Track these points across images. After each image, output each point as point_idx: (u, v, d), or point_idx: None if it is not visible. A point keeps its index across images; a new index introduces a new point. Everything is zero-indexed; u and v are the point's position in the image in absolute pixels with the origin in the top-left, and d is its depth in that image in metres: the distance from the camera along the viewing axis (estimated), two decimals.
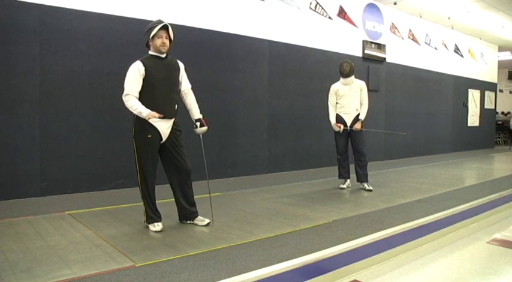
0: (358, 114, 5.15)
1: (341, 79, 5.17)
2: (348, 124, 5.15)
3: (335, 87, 5.22)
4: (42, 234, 3.11)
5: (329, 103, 5.24)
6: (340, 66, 5.13)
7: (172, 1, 5.42)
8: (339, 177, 5.36)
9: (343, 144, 5.22)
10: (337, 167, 5.39)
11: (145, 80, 3.14)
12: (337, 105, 5.20)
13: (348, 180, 5.31)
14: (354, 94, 5.13)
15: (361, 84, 5.19)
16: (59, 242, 2.92)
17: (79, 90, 4.72)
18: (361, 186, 5.25)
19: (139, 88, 3.14)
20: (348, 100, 5.13)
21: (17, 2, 4.29)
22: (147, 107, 3.13)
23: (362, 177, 5.22)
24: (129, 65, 3.18)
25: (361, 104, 5.17)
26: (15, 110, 4.32)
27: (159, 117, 3.12)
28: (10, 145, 4.31)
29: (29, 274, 2.32)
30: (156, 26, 3.14)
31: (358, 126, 5.11)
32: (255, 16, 6.36)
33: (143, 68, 3.12)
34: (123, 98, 3.14)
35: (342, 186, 5.26)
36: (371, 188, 5.16)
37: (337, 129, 5.15)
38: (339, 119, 5.17)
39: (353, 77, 5.14)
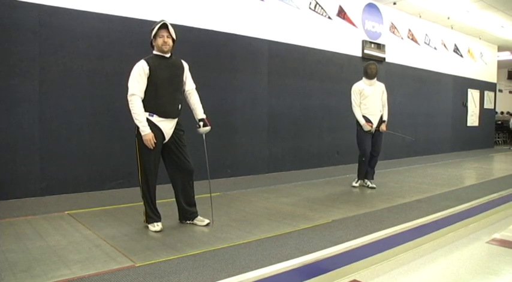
0: (381, 116, 5.19)
1: (365, 80, 5.15)
2: (375, 125, 5.15)
3: (360, 87, 5.16)
4: (42, 234, 3.11)
5: (353, 102, 5.17)
6: (367, 68, 5.11)
7: (172, 1, 5.42)
8: (359, 178, 5.36)
9: (369, 145, 5.19)
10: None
11: (149, 79, 3.13)
12: (361, 105, 5.16)
13: (361, 180, 5.37)
14: (377, 95, 5.15)
15: (383, 86, 5.24)
16: (59, 242, 2.92)
17: (79, 90, 4.72)
18: (364, 184, 5.34)
19: (144, 87, 3.13)
20: (374, 101, 5.13)
21: (16, 2, 4.29)
22: (150, 106, 3.14)
23: (370, 175, 5.33)
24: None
25: (383, 106, 5.21)
26: (14, 109, 4.32)
27: (154, 144, 3.13)
28: (10, 145, 4.31)
29: (28, 274, 2.32)
30: (156, 26, 3.16)
31: (384, 127, 5.18)
32: (254, 16, 6.36)
33: (147, 68, 3.12)
34: (128, 98, 3.13)
35: (356, 184, 5.34)
36: (374, 185, 5.26)
37: (368, 128, 5.09)
38: (366, 120, 5.13)
39: (376, 78, 5.18)
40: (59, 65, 4.57)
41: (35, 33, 4.41)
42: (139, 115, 3.10)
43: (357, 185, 5.35)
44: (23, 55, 4.34)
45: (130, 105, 3.13)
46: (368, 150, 5.19)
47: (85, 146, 4.78)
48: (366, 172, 5.34)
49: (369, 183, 5.31)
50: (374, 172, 5.38)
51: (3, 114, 4.26)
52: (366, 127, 5.11)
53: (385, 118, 5.22)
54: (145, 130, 3.09)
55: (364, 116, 5.14)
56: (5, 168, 4.28)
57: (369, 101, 5.12)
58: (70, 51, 4.64)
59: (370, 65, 5.11)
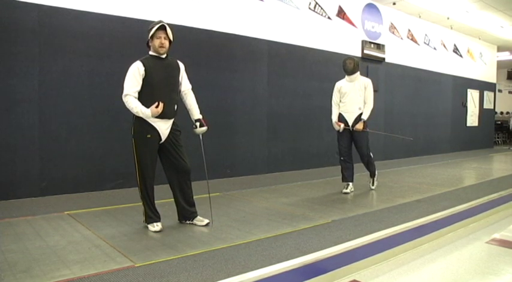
0: (361, 114, 4.88)
1: (346, 76, 4.94)
2: (350, 123, 4.89)
3: (339, 84, 4.97)
4: (42, 234, 3.11)
5: (332, 101, 5.01)
6: (344, 64, 4.89)
7: (172, 1, 5.42)
8: (343, 181, 5.03)
9: (345, 145, 4.96)
10: (337, 167, 5.23)
11: (145, 80, 3.14)
12: (340, 103, 4.97)
13: (351, 184, 4.99)
14: (357, 92, 4.87)
15: (366, 82, 4.90)
16: (58, 242, 2.92)
17: (78, 90, 4.72)
18: (368, 181, 5.27)
19: (138, 88, 3.15)
20: (351, 98, 4.86)
21: (16, 2, 4.28)
22: (146, 107, 3.13)
23: (370, 173, 5.19)
24: (129, 65, 3.18)
25: (364, 103, 4.91)
26: (14, 110, 4.32)
27: (160, 112, 3.13)
28: (9, 145, 4.31)
29: (28, 274, 2.32)
30: (154, 27, 3.15)
31: (359, 126, 4.83)
32: (254, 16, 6.37)
33: (143, 68, 3.12)
34: (123, 98, 3.15)
35: (345, 190, 4.92)
36: (373, 187, 5.18)
37: (337, 127, 4.93)
38: (341, 118, 4.93)
39: (358, 74, 4.90)
40: (58, 65, 4.57)
41: (35, 33, 4.41)
42: (137, 107, 3.11)
43: (348, 190, 4.92)
44: (22, 55, 4.34)
45: (126, 105, 3.15)
46: (343, 151, 4.96)
47: (85, 146, 4.77)
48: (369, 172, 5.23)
49: (370, 185, 5.19)
50: (372, 171, 5.16)
51: (3, 114, 4.26)
52: (335, 127, 4.96)
53: (364, 117, 4.86)
54: (148, 114, 3.10)
55: (340, 114, 4.95)
56: (4, 168, 4.28)
57: (347, 98, 4.89)
58: (70, 51, 4.64)
59: (346, 60, 4.87)
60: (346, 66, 4.87)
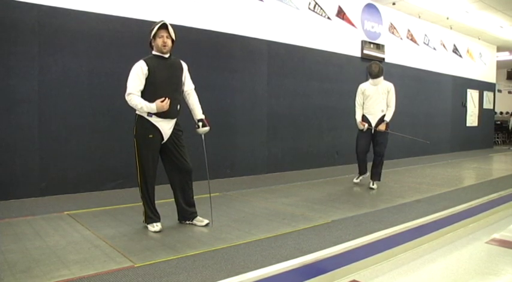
0: (384, 116, 5.18)
1: (370, 80, 5.21)
2: (373, 125, 5.18)
3: (362, 87, 5.27)
4: (41, 234, 3.11)
5: (356, 102, 5.29)
6: (369, 67, 5.16)
7: (172, 1, 5.42)
8: (359, 174, 5.53)
9: (364, 144, 5.26)
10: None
11: (148, 79, 3.14)
12: (364, 105, 5.24)
13: (362, 176, 5.50)
14: (380, 95, 5.16)
15: (389, 86, 5.21)
16: (58, 242, 2.92)
17: (78, 91, 4.72)
18: (369, 182, 5.37)
19: (141, 87, 3.15)
20: (374, 101, 5.17)
21: (16, 2, 4.28)
22: None
23: (374, 176, 5.30)
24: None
25: (387, 106, 5.20)
26: (14, 110, 4.32)
27: (166, 108, 3.14)
28: (9, 145, 4.31)
29: (27, 274, 2.32)
30: (156, 26, 3.16)
31: (382, 127, 5.14)
32: (253, 16, 6.37)
33: (146, 68, 3.12)
34: (126, 97, 3.15)
35: (355, 180, 5.53)
36: (374, 187, 5.22)
37: (361, 127, 5.19)
38: (364, 119, 5.23)
39: (382, 78, 5.17)
40: (58, 65, 4.57)
41: (34, 34, 4.41)
42: (141, 103, 3.11)
43: (357, 181, 5.51)
44: (22, 55, 4.34)
45: (130, 103, 3.14)
46: (360, 148, 5.30)
47: (84, 146, 4.77)
48: (371, 173, 5.30)
49: (371, 183, 5.26)
50: (378, 173, 5.27)
51: (3, 114, 4.26)
52: (359, 126, 5.23)
53: (386, 119, 5.18)
54: (153, 107, 3.10)
55: (364, 115, 5.23)
56: (4, 168, 4.28)
57: (370, 101, 5.18)
58: (70, 51, 4.63)
59: (372, 64, 5.17)
60: (371, 70, 5.15)
